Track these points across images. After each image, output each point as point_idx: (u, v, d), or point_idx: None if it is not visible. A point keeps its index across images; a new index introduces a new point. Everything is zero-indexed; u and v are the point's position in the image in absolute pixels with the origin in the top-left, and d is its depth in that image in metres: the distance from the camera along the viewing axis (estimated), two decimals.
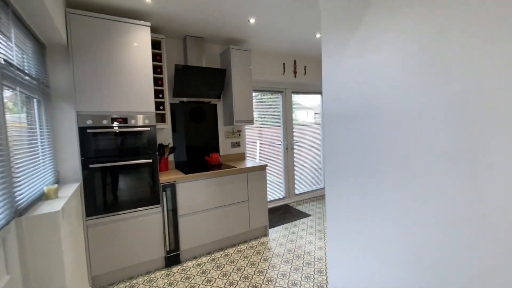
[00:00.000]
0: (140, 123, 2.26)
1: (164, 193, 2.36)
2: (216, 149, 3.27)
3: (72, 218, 1.77)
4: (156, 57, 2.54)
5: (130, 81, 2.20)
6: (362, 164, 1.37)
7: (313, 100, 4.68)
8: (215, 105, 3.25)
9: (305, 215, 3.65)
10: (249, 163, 3.04)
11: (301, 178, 4.39)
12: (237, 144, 3.45)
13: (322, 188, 4.61)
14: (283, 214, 3.71)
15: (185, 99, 2.95)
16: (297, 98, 4.35)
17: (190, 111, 3.08)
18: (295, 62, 3.91)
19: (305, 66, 4.01)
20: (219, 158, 3.03)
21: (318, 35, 3.05)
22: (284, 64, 3.80)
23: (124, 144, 2.21)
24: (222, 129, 3.32)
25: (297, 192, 4.30)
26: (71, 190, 1.85)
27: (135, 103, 2.23)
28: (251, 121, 3.15)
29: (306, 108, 4.70)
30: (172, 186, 2.40)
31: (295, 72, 3.91)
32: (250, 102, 3.13)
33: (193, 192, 2.51)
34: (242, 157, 3.49)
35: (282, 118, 4.09)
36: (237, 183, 2.76)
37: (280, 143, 4.11)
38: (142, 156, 2.28)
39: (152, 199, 2.33)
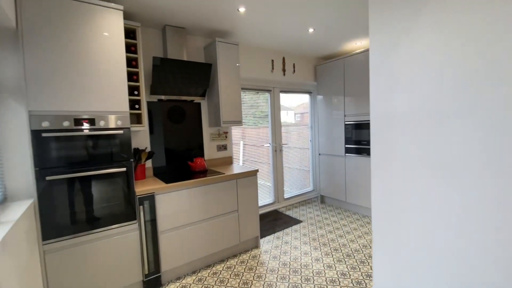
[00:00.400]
0: (112, 125, 1.90)
1: (141, 206, 2.02)
2: (201, 153, 2.95)
3: (22, 247, 1.39)
4: (130, 48, 2.19)
5: (99, 74, 1.83)
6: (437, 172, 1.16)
7: (293, 100, 4.42)
8: (199, 104, 2.94)
9: (296, 221, 3.44)
10: (238, 168, 2.76)
11: (290, 181, 4.19)
12: (224, 147, 3.16)
13: (311, 191, 4.45)
14: (273, 221, 3.48)
15: (164, 97, 2.60)
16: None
17: (170, 111, 2.74)
18: (283, 59, 3.69)
19: (294, 64, 3.81)
20: (204, 163, 2.72)
21: (311, 30, 2.85)
22: (272, 61, 3.57)
23: (91, 150, 1.84)
24: (207, 130, 3.01)
25: (286, 196, 4.09)
26: (21, 209, 1.47)
27: (105, 101, 1.87)
28: (239, 122, 2.88)
29: (285, 108, 4.43)
30: (150, 198, 2.06)
31: (284, 70, 3.70)
32: (238, 101, 2.85)
33: (175, 204, 2.19)
34: (229, 161, 3.20)
35: (271, 118, 3.85)
36: (225, 192, 2.48)
37: (268, 144, 3.88)
38: (114, 164, 1.92)
39: (127, 215, 1.97)
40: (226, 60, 2.74)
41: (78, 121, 1.77)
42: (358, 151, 3.51)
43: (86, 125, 1.80)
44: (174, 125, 2.77)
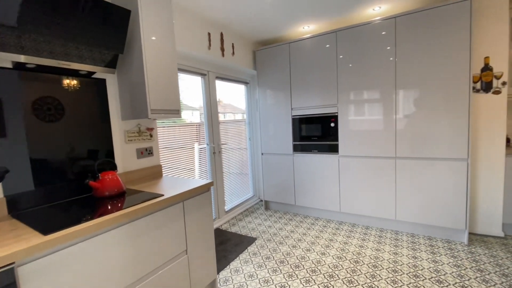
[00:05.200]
0: None
1: None
2: (110, 164, 1.78)
3: None
4: None
5: None
6: None
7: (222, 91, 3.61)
8: (103, 81, 1.76)
9: (249, 240, 2.73)
10: (176, 183, 1.78)
11: (227, 188, 3.41)
12: (149, 152, 2.07)
13: (251, 197, 3.83)
14: (220, 245, 2.63)
15: (26, 59, 1.32)
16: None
17: (43, 91, 1.47)
18: (222, 35, 2.89)
19: (232, 44, 3.07)
20: (119, 181, 1.60)
21: None
22: (209, 35, 2.71)
23: None
24: (118, 126, 1.86)
25: (226, 208, 3.30)
26: None
27: None
28: (177, 112, 1.90)
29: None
30: (7, 275, 0.88)
31: (222, 50, 2.89)
32: (174, 79, 1.87)
33: (71, 274, 1.06)
34: (157, 172, 2.13)
35: (206, 111, 2.97)
36: (168, 225, 1.49)
37: (206, 145, 2.98)
38: None
39: None
40: (153, 10, 1.72)
41: None
42: (308, 148, 3.15)
43: None
44: (52, 117, 1.51)
